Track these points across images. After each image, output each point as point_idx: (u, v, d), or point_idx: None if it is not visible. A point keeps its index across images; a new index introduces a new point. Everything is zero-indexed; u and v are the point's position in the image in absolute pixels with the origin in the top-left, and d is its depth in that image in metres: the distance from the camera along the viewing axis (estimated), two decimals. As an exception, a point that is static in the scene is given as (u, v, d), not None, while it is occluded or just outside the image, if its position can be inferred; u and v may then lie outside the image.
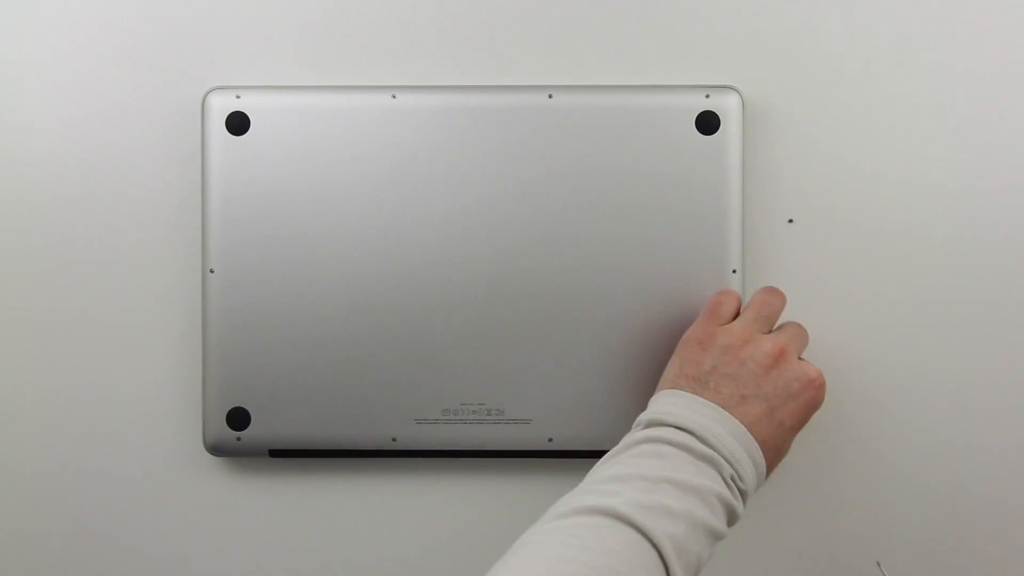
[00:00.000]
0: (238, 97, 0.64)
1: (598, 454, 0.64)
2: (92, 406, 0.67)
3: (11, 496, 0.68)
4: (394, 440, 0.65)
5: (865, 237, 0.66)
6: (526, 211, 0.64)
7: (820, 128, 0.66)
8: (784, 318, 0.66)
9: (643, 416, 0.56)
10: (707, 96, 0.64)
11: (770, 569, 0.68)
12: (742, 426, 0.54)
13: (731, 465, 0.53)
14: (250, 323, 0.64)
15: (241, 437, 0.65)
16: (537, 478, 0.67)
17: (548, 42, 0.66)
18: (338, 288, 0.64)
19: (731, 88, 0.65)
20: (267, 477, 0.67)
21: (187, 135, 0.66)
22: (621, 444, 0.55)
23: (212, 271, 0.64)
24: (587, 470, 0.67)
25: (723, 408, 0.55)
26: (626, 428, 0.64)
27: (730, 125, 0.64)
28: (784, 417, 0.56)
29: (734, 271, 0.64)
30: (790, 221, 0.67)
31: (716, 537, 0.51)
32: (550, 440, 0.64)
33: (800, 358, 0.59)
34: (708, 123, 0.64)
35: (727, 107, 0.64)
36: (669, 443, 0.53)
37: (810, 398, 0.57)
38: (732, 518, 0.53)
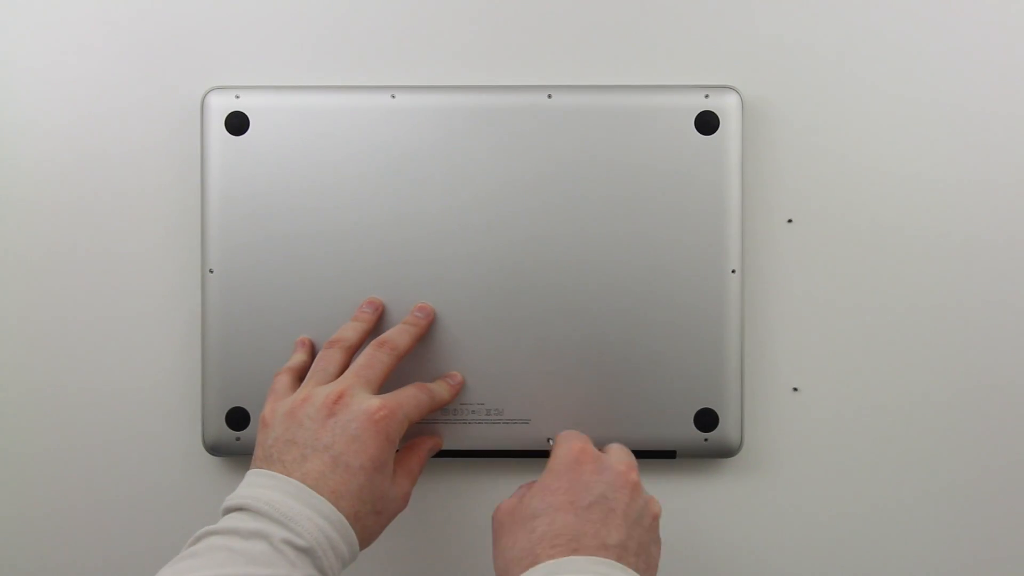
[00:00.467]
0: (237, 97, 0.64)
1: (597, 454, 0.65)
2: (91, 406, 0.67)
3: (11, 496, 0.68)
4: (393, 440, 0.65)
5: (864, 237, 0.66)
6: (525, 211, 0.64)
7: (819, 128, 0.66)
8: (784, 318, 0.66)
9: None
10: (706, 96, 0.64)
11: (770, 568, 0.68)
12: (303, 485, 0.52)
13: (283, 526, 0.51)
14: (250, 323, 0.64)
15: (240, 437, 0.65)
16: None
17: (548, 42, 0.66)
18: (338, 288, 0.64)
19: (730, 88, 0.65)
20: (267, 477, 0.67)
21: (187, 135, 0.66)
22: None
23: (212, 271, 0.64)
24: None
25: (286, 475, 0.53)
26: (625, 428, 0.64)
27: (729, 125, 0.64)
28: (350, 459, 0.54)
29: (733, 271, 0.64)
30: (789, 221, 0.67)
31: None
32: (549, 440, 0.64)
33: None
34: (707, 123, 0.64)
35: (726, 107, 0.64)
36: (216, 532, 0.51)
37: (374, 432, 0.55)
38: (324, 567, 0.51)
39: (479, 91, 0.65)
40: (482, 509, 0.67)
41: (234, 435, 0.65)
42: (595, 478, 0.55)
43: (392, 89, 0.65)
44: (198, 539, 0.52)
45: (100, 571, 0.68)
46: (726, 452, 0.65)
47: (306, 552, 0.51)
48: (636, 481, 0.56)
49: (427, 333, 0.64)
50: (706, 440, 0.65)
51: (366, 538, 0.55)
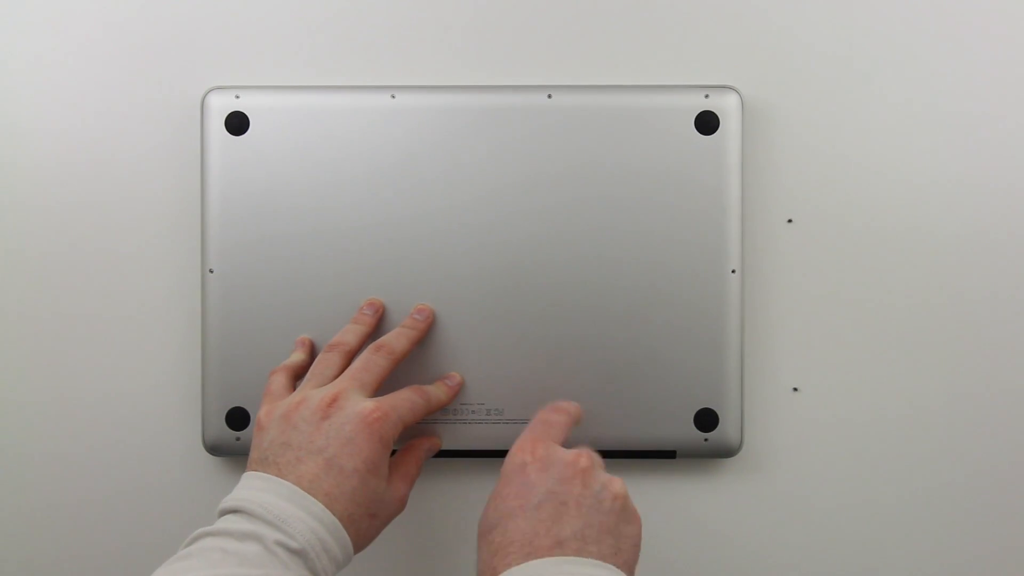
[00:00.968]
0: (237, 97, 0.64)
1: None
2: (91, 406, 0.67)
3: (11, 496, 0.68)
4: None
5: (864, 237, 0.66)
6: (525, 211, 0.64)
7: (819, 128, 0.66)
8: (784, 318, 0.67)
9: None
10: (706, 96, 0.64)
11: (770, 568, 0.68)
12: (295, 487, 0.53)
13: (277, 528, 0.51)
14: (250, 323, 0.64)
15: (241, 437, 0.65)
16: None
17: (548, 42, 0.66)
18: (338, 288, 0.64)
19: (730, 88, 0.65)
20: (267, 477, 0.67)
21: (187, 135, 0.66)
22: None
23: (212, 271, 0.64)
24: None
25: (280, 478, 0.53)
26: (625, 428, 0.64)
27: (729, 125, 0.64)
28: (344, 462, 0.54)
29: (733, 271, 0.64)
30: (789, 221, 0.67)
31: None
32: (549, 440, 0.64)
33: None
34: (707, 123, 0.64)
35: (726, 107, 0.64)
36: (209, 534, 0.51)
37: (368, 434, 0.55)
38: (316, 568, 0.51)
39: (479, 91, 0.65)
40: (482, 509, 0.67)
41: (234, 435, 0.65)
42: (542, 475, 0.54)
43: (392, 89, 0.65)
44: (193, 540, 0.52)
45: (100, 570, 0.68)
46: (726, 452, 0.65)
47: (298, 554, 0.51)
48: (587, 466, 0.54)
49: (428, 333, 0.64)
50: (706, 440, 0.65)
51: (361, 540, 0.55)
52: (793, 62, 0.66)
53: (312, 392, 0.57)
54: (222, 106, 0.64)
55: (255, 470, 0.55)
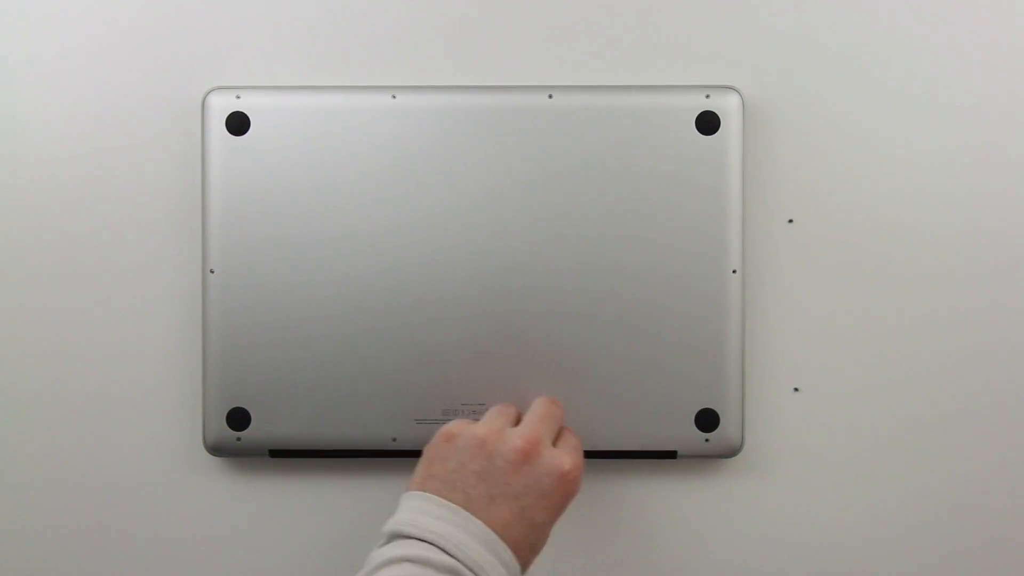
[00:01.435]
0: (238, 97, 0.64)
1: (597, 454, 0.65)
2: (92, 406, 0.67)
3: (11, 496, 0.68)
4: (394, 440, 0.65)
5: (865, 237, 0.66)
6: (526, 211, 0.64)
7: (820, 128, 0.66)
8: (784, 318, 0.66)
9: (387, 527, 0.53)
10: (707, 96, 0.64)
11: (770, 569, 0.68)
12: (490, 530, 0.52)
13: (474, 574, 0.50)
14: (250, 323, 0.64)
15: (241, 437, 0.65)
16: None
17: (548, 42, 0.66)
18: (338, 288, 0.64)
19: (731, 88, 0.65)
20: (267, 477, 0.67)
21: (187, 135, 0.66)
22: (367, 563, 0.51)
23: (212, 271, 0.64)
24: (586, 470, 0.67)
25: (469, 512, 0.52)
26: (625, 428, 0.64)
27: (730, 125, 0.64)
28: (536, 515, 0.53)
29: (734, 271, 0.64)
30: (790, 221, 0.67)
31: None
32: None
33: (554, 444, 0.57)
34: (708, 123, 0.64)
35: (727, 107, 0.64)
36: (409, 560, 0.49)
37: (564, 492, 0.55)
38: None
39: (479, 91, 0.65)
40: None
41: (235, 435, 0.65)
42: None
43: (392, 89, 0.65)
44: (389, 562, 0.50)
45: (100, 570, 0.68)
46: (727, 452, 0.65)
47: None
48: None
49: (427, 332, 0.64)
50: (707, 440, 0.65)
51: None
52: (794, 62, 0.66)
53: (509, 430, 0.56)
54: (223, 106, 0.64)
55: (439, 492, 0.53)
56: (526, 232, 0.64)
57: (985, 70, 0.66)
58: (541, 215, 0.64)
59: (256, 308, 0.64)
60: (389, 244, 0.64)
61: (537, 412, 0.59)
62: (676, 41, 0.66)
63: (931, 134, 0.66)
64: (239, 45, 0.66)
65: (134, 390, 0.67)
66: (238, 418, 0.65)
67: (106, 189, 0.67)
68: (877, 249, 0.66)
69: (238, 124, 0.64)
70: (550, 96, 0.64)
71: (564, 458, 0.55)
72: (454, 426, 0.57)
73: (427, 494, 0.53)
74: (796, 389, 0.67)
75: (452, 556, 0.50)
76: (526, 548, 0.53)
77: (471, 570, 0.50)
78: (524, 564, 0.53)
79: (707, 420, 0.64)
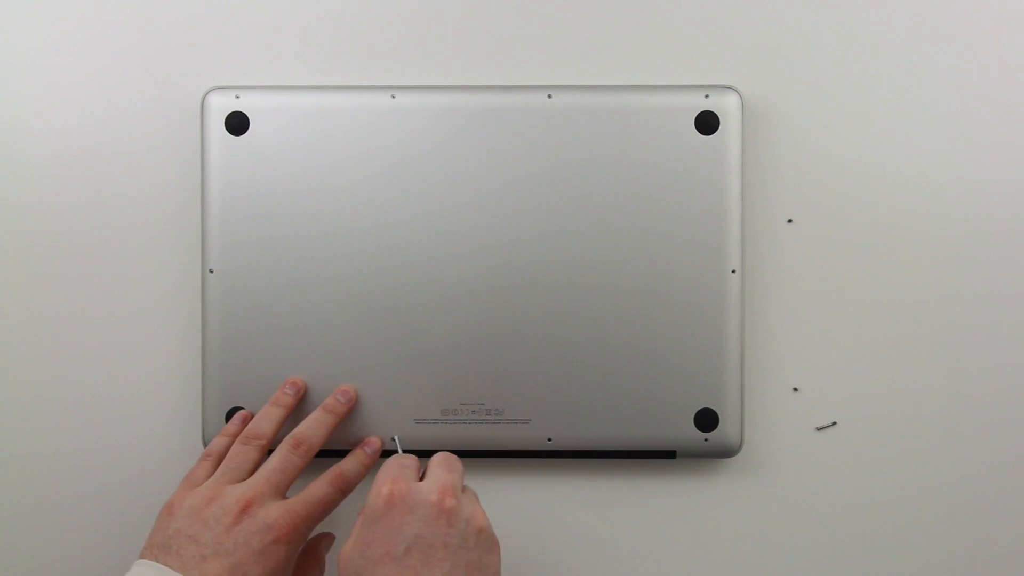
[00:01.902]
0: (237, 97, 0.64)
1: (596, 454, 0.65)
2: (91, 405, 0.67)
3: (11, 495, 0.68)
4: (394, 440, 0.65)
5: (865, 237, 0.66)
6: (526, 211, 0.64)
7: (820, 128, 0.66)
8: (784, 318, 0.66)
9: None
10: (706, 96, 0.64)
11: (770, 569, 0.68)
12: None
13: None
14: (250, 323, 0.64)
15: (241, 437, 0.65)
16: (536, 478, 0.67)
17: (548, 42, 0.66)
18: (338, 287, 0.64)
19: (730, 88, 0.65)
20: (267, 477, 0.67)
21: (187, 135, 0.66)
22: None
23: (212, 271, 0.64)
24: (586, 470, 0.67)
25: (181, 572, 0.54)
26: (625, 428, 0.64)
27: (729, 125, 0.64)
28: (250, 571, 0.55)
29: (733, 271, 0.64)
30: (789, 221, 0.67)
31: None
32: (549, 440, 0.65)
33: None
34: (707, 123, 0.64)
35: (726, 107, 0.64)
36: None
37: (276, 548, 0.56)
38: None
39: (479, 91, 0.65)
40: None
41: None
42: (407, 519, 0.53)
43: (392, 89, 0.65)
44: None
45: (100, 570, 0.68)
46: (726, 452, 0.65)
47: None
48: (452, 507, 0.54)
49: (427, 332, 0.64)
50: (706, 440, 0.65)
51: None
52: (793, 62, 0.66)
53: (227, 490, 0.58)
54: (222, 106, 0.64)
55: (155, 557, 0.55)
56: (525, 232, 0.64)
57: (985, 70, 0.66)
58: (540, 215, 0.64)
59: (256, 308, 0.64)
60: (388, 244, 0.64)
61: (270, 465, 0.60)
62: (675, 41, 0.66)
63: (930, 134, 0.66)
64: (238, 45, 0.67)
65: (133, 390, 0.67)
66: (238, 418, 0.65)
67: (106, 189, 0.67)
68: (876, 249, 0.66)
69: (237, 124, 0.64)
70: (549, 96, 0.64)
71: (278, 516, 0.57)
72: (174, 498, 0.58)
73: (144, 562, 0.56)
74: (795, 389, 0.67)
75: None
76: None
77: None
78: None
79: (706, 420, 0.64)
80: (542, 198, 0.64)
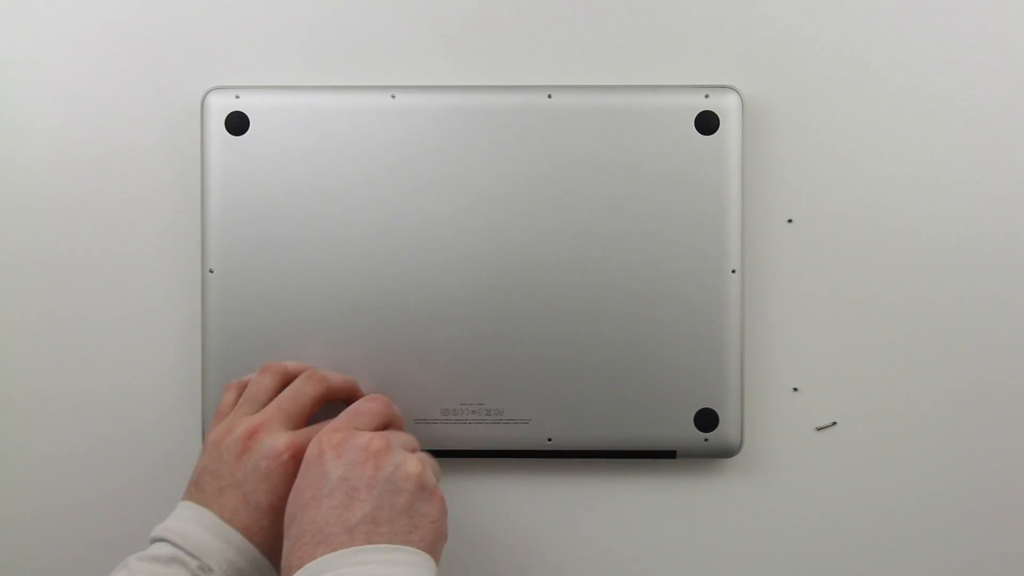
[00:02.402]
0: (237, 97, 0.64)
1: (597, 454, 0.65)
2: (92, 405, 0.67)
3: (11, 496, 0.68)
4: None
5: (865, 237, 0.66)
6: (525, 211, 0.64)
7: (820, 128, 0.66)
8: (784, 318, 0.66)
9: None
10: (706, 96, 0.64)
11: (770, 569, 0.68)
12: (216, 518, 0.55)
13: (196, 558, 0.54)
14: (250, 323, 0.64)
15: (241, 437, 0.65)
16: (536, 478, 0.67)
17: (548, 42, 0.66)
18: (338, 288, 0.64)
19: (730, 88, 0.65)
20: (267, 477, 0.67)
21: (187, 135, 0.66)
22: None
23: (212, 271, 0.64)
24: (586, 470, 0.67)
25: (203, 505, 0.56)
26: (625, 428, 0.64)
27: (729, 125, 0.64)
28: (260, 499, 0.56)
29: (733, 271, 0.64)
30: (789, 221, 0.67)
31: None
32: (549, 440, 0.65)
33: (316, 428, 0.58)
34: (707, 123, 0.64)
35: (726, 107, 0.64)
36: (140, 558, 0.55)
37: (282, 472, 0.56)
38: None
39: (479, 91, 0.65)
40: (482, 509, 0.67)
41: (234, 435, 0.65)
42: (336, 462, 0.54)
43: (392, 89, 0.65)
44: (125, 566, 0.55)
45: (100, 569, 0.68)
46: (726, 452, 0.65)
47: None
48: (379, 448, 0.54)
49: (427, 332, 0.64)
50: (706, 440, 0.65)
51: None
52: (793, 62, 0.66)
53: (241, 420, 0.58)
54: (222, 106, 0.64)
55: (189, 496, 0.57)
56: (525, 232, 0.64)
57: (985, 70, 0.66)
58: (540, 215, 0.64)
59: (256, 308, 0.64)
60: (388, 244, 0.64)
61: (283, 394, 0.60)
62: (675, 41, 0.66)
63: (930, 134, 0.66)
64: (238, 45, 0.66)
65: (134, 390, 0.67)
66: (238, 418, 0.65)
67: (106, 189, 0.67)
68: (876, 249, 0.66)
69: (237, 124, 0.64)
70: (549, 96, 0.64)
71: (280, 440, 0.57)
72: (210, 435, 0.59)
73: (182, 502, 0.57)
74: (795, 389, 0.67)
75: (175, 546, 0.54)
76: (262, 531, 0.56)
77: (191, 555, 0.54)
78: (270, 543, 0.56)
79: (706, 420, 0.64)
80: (542, 198, 0.64)
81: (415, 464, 0.55)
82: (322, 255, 0.64)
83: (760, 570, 0.68)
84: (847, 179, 0.66)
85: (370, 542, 0.51)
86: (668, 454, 0.65)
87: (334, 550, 0.50)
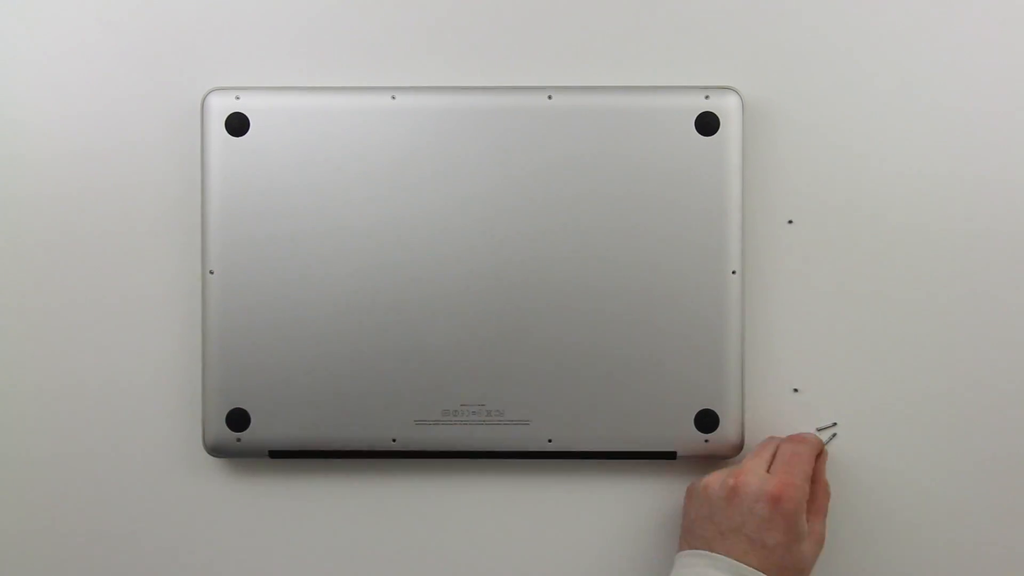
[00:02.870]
0: (238, 98, 0.64)
1: (597, 455, 0.65)
2: (91, 406, 0.67)
3: (11, 496, 0.68)
4: (394, 441, 0.65)
5: (865, 238, 0.66)
6: (525, 212, 0.64)
7: (820, 128, 0.66)
8: (784, 318, 0.67)
9: None
10: (707, 97, 0.64)
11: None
12: (729, 559, 0.59)
13: None
14: (250, 324, 0.64)
15: (241, 438, 0.65)
16: (536, 479, 0.67)
17: (548, 43, 0.66)
18: (338, 289, 0.64)
19: (730, 89, 0.65)
20: (267, 478, 0.67)
21: (187, 136, 0.66)
22: None
23: (212, 272, 0.64)
24: (586, 471, 0.67)
25: (709, 550, 0.59)
26: (625, 428, 0.64)
27: (730, 126, 0.64)
28: (766, 538, 0.59)
29: (734, 272, 0.64)
30: (790, 222, 0.67)
31: None
32: (549, 441, 0.65)
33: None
34: (708, 124, 0.64)
35: (727, 108, 0.64)
36: None
37: (780, 515, 0.59)
38: None
39: (479, 92, 0.65)
40: (482, 509, 0.67)
41: (234, 436, 0.65)
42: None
43: (392, 90, 0.65)
44: None
45: (100, 571, 0.68)
46: (727, 453, 0.65)
47: None
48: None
49: (427, 332, 0.64)
50: (707, 441, 0.65)
51: None
52: (793, 62, 0.66)
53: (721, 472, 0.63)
54: (222, 107, 0.64)
55: (689, 544, 0.61)
56: (526, 233, 0.64)
57: (984, 70, 0.66)
58: (540, 216, 0.64)
59: (256, 308, 0.64)
60: (388, 245, 0.64)
61: (754, 455, 0.64)
62: (675, 42, 0.66)
63: (930, 134, 0.66)
64: (238, 46, 0.66)
65: (134, 391, 0.67)
66: (238, 419, 0.65)
67: (106, 190, 0.67)
68: (877, 249, 0.66)
69: (238, 125, 0.64)
70: (549, 97, 0.64)
71: (770, 482, 0.60)
72: (697, 485, 0.63)
73: (680, 552, 0.62)
74: (796, 389, 0.67)
75: None
76: (773, 568, 0.59)
77: None
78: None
79: (707, 421, 0.64)
80: (542, 199, 0.64)
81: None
82: (322, 256, 0.64)
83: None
84: (847, 180, 0.66)
85: None
86: (668, 455, 0.65)
87: None
